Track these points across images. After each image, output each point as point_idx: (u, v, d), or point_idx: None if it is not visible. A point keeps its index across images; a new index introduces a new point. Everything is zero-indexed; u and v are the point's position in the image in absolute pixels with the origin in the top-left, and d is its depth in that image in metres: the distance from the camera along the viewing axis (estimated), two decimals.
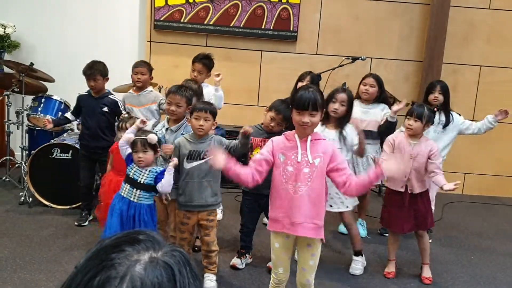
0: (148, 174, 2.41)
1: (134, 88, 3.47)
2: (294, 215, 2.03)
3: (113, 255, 0.58)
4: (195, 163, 2.46)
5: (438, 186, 2.81)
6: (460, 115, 3.40)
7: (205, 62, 3.37)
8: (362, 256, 2.95)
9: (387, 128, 3.09)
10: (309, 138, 2.04)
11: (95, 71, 3.22)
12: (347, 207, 2.86)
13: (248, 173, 2.04)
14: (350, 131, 2.76)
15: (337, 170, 2.03)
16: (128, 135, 2.40)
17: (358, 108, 3.25)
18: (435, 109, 2.83)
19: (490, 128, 3.31)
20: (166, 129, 2.68)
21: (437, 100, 3.27)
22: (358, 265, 2.91)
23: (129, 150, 2.44)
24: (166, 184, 2.36)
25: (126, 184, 2.44)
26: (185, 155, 2.47)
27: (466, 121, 3.38)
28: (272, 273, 2.23)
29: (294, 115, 2.04)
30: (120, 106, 3.33)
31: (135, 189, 2.41)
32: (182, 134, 2.63)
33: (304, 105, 1.98)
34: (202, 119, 2.42)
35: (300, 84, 3.37)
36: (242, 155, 2.75)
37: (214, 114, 2.48)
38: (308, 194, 2.02)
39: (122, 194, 2.44)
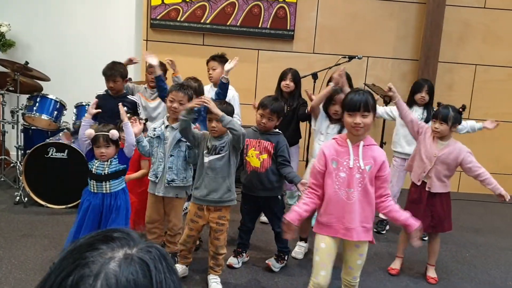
0: (110, 164, 2.43)
1: (147, 85, 3.49)
2: (348, 221, 2.04)
3: (87, 253, 0.57)
4: (211, 157, 2.48)
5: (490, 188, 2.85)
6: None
7: (217, 59, 3.38)
8: (306, 242, 3.07)
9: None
10: (361, 143, 2.03)
11: (115, 72, 3.20)
12: None
13: (311, 204, 2.10)
14: None
15: (379, 180, 2.03)
16: (88, 130, 2.38)
17: None
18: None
19: (468, 132, 3.42)
20: (166, 126, 2.66)
21: (424, 100, 3.32)
22: (301, 250, 3.04)
23: (90, 146, 2.44)
24: (129, 141, 2.40)
25: (92, 180, 2.45)
26: (205, 148, 2.50)
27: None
28: (312, 277, 2.12)
29: (345, 118, 2.02)
30: (138, 107, 3.33)
31: (103, 182, 2.43)
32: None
33: (356, 106, 1.97)
34: (215, 120, 2.43)
35: (283, 83, 3.38)
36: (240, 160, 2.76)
37: (227, 113, 2.44)
38: (360, 200, 2.03)
39: (93, 190, 2.45)
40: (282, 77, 3.41)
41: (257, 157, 2.73)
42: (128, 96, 3.32)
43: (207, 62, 3.45)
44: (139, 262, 0.57)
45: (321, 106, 2.96)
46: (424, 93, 3.32)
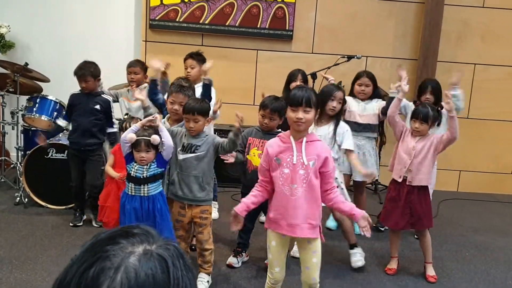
0: (149, 167, 2.44)
1: (130, 87, 3.48)
2: (291, 216, 2.06)
3: (108, 247, 0.59)
4: (186, 155, 2.48)
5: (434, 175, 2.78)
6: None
7: (194, 57, 3.38)
8: (358, 247, 2.98)
9: (389, 104, 3.03)
10: (304, 139, 2.05)
11: (86, 72, 3.20)
12: None
13: (259, 196, 2.15)
14: (344, 126, 2.83)
15: (324, 177, 2.07)
16: (130, 134, 2.38)
17: (355, 105, 3.40)
18: (439, 108, 2.81)
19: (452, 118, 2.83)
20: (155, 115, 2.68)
21: (429, 101, 3.31)
22: (357, 257, 2.94)
23: (129, 150, 2.44)
24: (168, 143, 2.40)
25: (131, 183, 2.45)
26: (179, 145, 2.50)
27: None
28: (268, 273, 2.23)
29: (288, 113, 2.05)
30: (111, 107, 3.33)
31: (142, 185, 2.43)
32: (185, 135, 2.63)
33: (298, 101, 2.00)
34: (192, 121, 2.44)
35: (293, 84, 3.39)
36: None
37: (204, 113, 2.46)
38: (304, 196, 2.04)
39: (130, 193, 2.45)
40: (292, 79, 3.41)
41: (259, 157, 2.74)
42: (102, 95, 3.32)
43: (184, 60, 3.44)
44: (158, 258, 0.59)
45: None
46: (428, 95, 3.28)
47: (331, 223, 3.56)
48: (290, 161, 2.04)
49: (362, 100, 3.41)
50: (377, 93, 3.46)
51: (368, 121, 3.36)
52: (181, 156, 2.49)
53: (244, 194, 2.80)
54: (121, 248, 0.59)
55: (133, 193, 2.44)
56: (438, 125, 2.88)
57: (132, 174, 2.44)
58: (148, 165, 2.43)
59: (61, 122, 3.46)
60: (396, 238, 2.96)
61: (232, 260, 2.86)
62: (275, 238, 2.15)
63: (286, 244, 2.18)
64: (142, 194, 2.44)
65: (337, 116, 2.92)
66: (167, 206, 2.52)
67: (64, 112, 3.59)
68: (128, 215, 2.43)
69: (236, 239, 2.99)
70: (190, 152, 2.48)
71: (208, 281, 2.59)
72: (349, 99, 3.39)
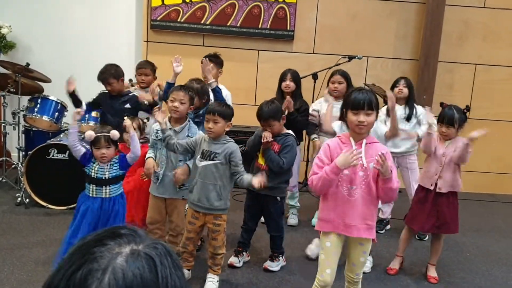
0: (111, 168, 2.43)
1: (138, 87, 3.48)
2: (348, 217, 2.05)
3: (95, 249, 0.58)
4: (205, 163, 2.46)
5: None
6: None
7: (212, 59, 3.35)
8: (370, 255, 2.97)
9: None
10: (364, 141, 2.04)
11: (107, 75, 3.19)
12: None
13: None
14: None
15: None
16: (88, 132, 2.35)
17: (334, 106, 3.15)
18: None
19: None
20: (169, 129, 2.66)
21: (402, 92, 3.36)
22: (367, 264, 2.91)
23: (82, 150, 2.42)
24: (135, 150, 2.40)
25: (92, 185, 2.42)
26: (199, 152, 2.49)
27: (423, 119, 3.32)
28: (318, 275, 2.15)
29: (349, 116, 2.03)
30: (140, 100, 3.27)
31: (103, 186, 2.42)
32: (188, 136, 2.63)
33: (360, 104, 1.99)
34: (211, 121, 2.42)
35: (283, 84, 3.38)
36: (254, 150, 2.79)
37: (225, 115, 2.44)
38: (362, 197, 2.04)
39: (91, 195, 2.43)
40: (282, 78, 3.41)
41: (262, 155, 2.75)
42: (129, 94, 3.30)
43: (202, 62, 3.37)
44: (145, 258, 0.59)
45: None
46: (402, 86, 3.34)
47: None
48: None
49: (336, 98, 3.27)
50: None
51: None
52: (200, 164, 2.47)
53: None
54: (108, 250, 0.58)
55: (94, 195, 2.42)
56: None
57: (92, 175, 2.41)
58: (110, 165, 2.41)
59: (84, 105, 3.31)
60: (409, 239, 2.93)
61: (233, 259, 2.87)
62: (330, 240, 2.12)
63: (340, 246, 2.14)
64: (103, 196, 2.42)
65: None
66: (125, 209, 2.51)
67: (66, 112, 3.54)
68: (80, 216, 2.40)
69: (237, 239, 2.99)
70: (209, 160, 2.45)
71: (217, 281, 2.60)
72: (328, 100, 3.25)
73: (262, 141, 2.68)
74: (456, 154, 2.69)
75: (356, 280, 2.21)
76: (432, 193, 2.74)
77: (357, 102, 2.00)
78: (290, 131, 2.82)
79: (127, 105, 3.24)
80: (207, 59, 3.19)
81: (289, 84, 3.35)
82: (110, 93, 3.26)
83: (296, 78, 3.40)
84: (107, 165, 2.42)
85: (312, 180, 2.04)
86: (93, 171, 2.42)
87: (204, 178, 2.47)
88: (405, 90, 3.35)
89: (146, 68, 3.43)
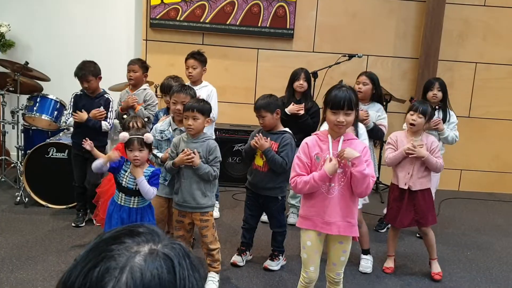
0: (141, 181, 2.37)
1: (130, 86, 3.46)
2: (327, 214, 2.05)
3: (113, 246, 0.58)
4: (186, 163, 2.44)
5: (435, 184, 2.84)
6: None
7: (196, 57, 3.35)
8: (370, 254, 2.98)
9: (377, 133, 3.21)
10: (342, 138, 2.04)
11: (86, 72, 3.16)
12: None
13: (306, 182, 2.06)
14: (362, 130, 2.74)
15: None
16: (123, 134, 2.34)
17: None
18: (436, 107, 2.84)
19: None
20: (174, 129, 2.66)
21: (436, 97, 3.27)
22: (368, 264, 2.92)
23: (108, 167, 2.38)
24: (146, 197, 2.37)
25: (121, 193, 2.41)
26: (179, 152, 2.47)
27: (453, 124, 3.34)
28: (303, 272, 2.19)
29: (328, 115, 2.03)
30: (111, 106, 3.28)
31: (132, 197, 2.39)
32: (183, 140, 2.61)
33: (340, 104, 1.98)
34: (191, 118, 2.41)
35: (297, 83, 3.37)
36: (250, 156, 2.78)
37: (203, 111, 2.43)
38: (342, 194, 2.04)
39: (119, 202, 2.41)
40: (295, 77, 3.38)
41: (260, 156, 2.73)
42: (104, 95, 3.28)
43: (186, 60, 3.39)
44: (164, 258, 0.58)
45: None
46: (436, 91, 3.25)
47: None
48: (326, 161, 2.01)
49: (361, 100, 3.27)
50: (378, 95, 3.33)
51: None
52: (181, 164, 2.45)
53: (249, 190, 2.82)
54: (126, 248, 0.57)
55: (122, 203, 2.41)
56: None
57: (123, 184, 2.39)
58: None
59: (70, 122, 3.38)
60: (395, 238, 2.97)
61: (236, 258, 2.86)
62: (310, 239, 2.12)
63: (321, 243, 2.15)
64: (131, 206, 2.40)
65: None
66: (155, 220, 2.50)
67: (69, 111, 3.52)
68: (114, 225, 2.38)
69: (239, 238, 2.99)
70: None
71: (218, 280, 2.59)
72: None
73: (254, 144, 2.65)
74: (427, 161, 2.72)
75: (337, 280, 2.20)
76: (407, 191, 2.77)
77: (337, 101, 1.98)
78: (287, 129, 2.80)
79: (102, 108, 3.21)
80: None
81: (302, 83, 3.35)
82: (86, 90, 3.22)
83: (309, 78, 3.41)
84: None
85: (296, 183, 2.05)
86: (124, 180, 2.39)
87: (187, 178, 2.46)
88: (440, 94, 3.26)
89: (134, 64, 3.39)
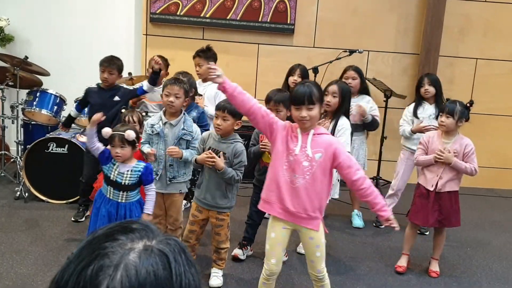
0: (131, 175, 2.36)
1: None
2: (288, 203, 2.05)
3: (106, 244, 0.56)
4: None
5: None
6: None
7: (201, 55, 3.34)
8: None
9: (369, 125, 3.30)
10: (312, 131, 2.04)
11: (113, 65, 3.16)
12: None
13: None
14: (344, 123, 2.75)
15: (341, 168, 2.03)
16: (106, 129, 2.30)
17: None
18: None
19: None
20: (165, 123, 2.62)
21: (428, 92, 3.29)
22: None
23: (100, 148, 2.37)
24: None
25: (109, 186, 2.37)
26: (206, 149, 2.44)
27: None
28: (265, 264, 2.20)
29: (292, 111, 2.03)
30: (131, 89, 3.24)
31: (121, 191, 2.36)
32: (183, 129, 2.60)
33: (300, 99, 1.98)
34: (220, 118, 2.39)
35: (291, 78, 3.36)
36: (258, 157, 2.79)
37: (235, 113, 2.37)
38: (306, 187, 2.03)
39: (108, 196, 2.38)
40: (290, 73, 3.38)
41: (269, 153, 2.72)
42: (121, 87, 3.25)
43: (193, 57, 3.41)
44: (159, 254, 0.57)
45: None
46: (427, 85, 3.27)
47: (358, 221, 3.53)
48: (293, 151, 2.03)
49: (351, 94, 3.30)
50: (365, 88, 3.45)
51: (356, 121, 3.27)
52: None
53: (257, 186, 2.81)
54: (120, 245, 0.56)
55: (110, 197, 2.38)
56: (467, 120, 2.77)
57: (111, 178, 2.36)
58: (130, 171, 2.35)
59: (73, 113, 3.39)
60: (413, 236, 2.92)
61: (237, 251, 2.87)
62: (274, 230, 2.14)
63: (286, 238, 2.16)
64: (119, 200, 2.37)
65: (337, 112, 2.82)
66: (141, 213, 2.45)
67: (75, 103, 3.49)
68: (101, 219, 2.36)
69: (242, 233, 2.98)
70: None
71: (222, 276, 2.60)
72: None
73: (262, 147, 2.64)
74: (455, 167, 2.69)
75: (320, 277, 2.18)
76: (434, 191, 2.74)
77: (298, 97, 1.98)
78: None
79: (116, 98, 3.20)
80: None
81: (296, 79, 3.33)
82: (104, 83, 3.21)
83: (305, 74, 3.38)
84: (127, 170, 2.35)
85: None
86: (112, 173, 2.35)
87: (210, 176, 2.45)
88: (431, 89, 3.26)
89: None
